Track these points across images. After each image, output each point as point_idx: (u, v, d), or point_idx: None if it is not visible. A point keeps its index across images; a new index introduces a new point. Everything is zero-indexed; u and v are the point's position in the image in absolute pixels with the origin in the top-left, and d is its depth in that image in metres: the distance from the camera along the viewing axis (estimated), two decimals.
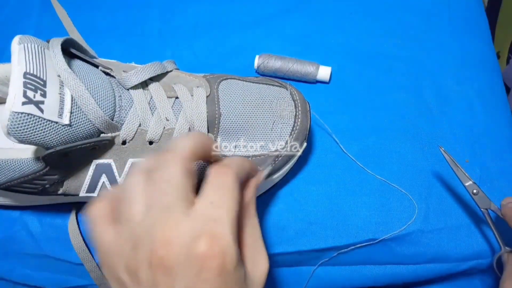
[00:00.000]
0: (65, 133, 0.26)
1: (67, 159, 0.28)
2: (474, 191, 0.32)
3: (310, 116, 0.33)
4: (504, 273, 0.29)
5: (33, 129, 0.24)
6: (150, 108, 0.31)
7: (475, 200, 0.32)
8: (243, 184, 0.24)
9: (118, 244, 0.20)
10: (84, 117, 0.27)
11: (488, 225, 0.32)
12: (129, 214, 0.20)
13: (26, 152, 0.29)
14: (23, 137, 0.24)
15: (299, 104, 0.33)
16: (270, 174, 0.34)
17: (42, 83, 0.25)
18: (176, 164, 0.21)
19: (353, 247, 0.36)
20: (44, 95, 0.25)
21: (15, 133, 0.24)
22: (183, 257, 0.18)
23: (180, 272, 0.18)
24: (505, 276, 0.28)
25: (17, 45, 0.26)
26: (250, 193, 0.24)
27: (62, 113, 0.26)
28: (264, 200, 0.37)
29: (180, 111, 0.31)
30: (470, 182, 0.32)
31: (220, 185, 0.21)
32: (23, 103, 0.24)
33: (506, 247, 0.31)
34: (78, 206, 0.38)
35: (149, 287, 0.19)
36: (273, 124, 0.32)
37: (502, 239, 0.31)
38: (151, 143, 0.31)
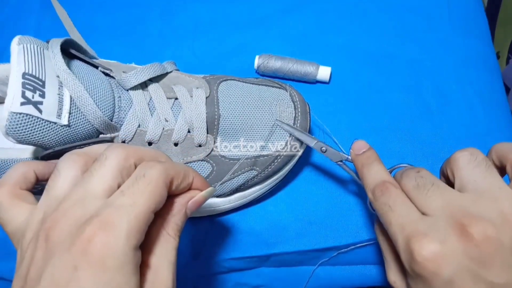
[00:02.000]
0: (63, 134, 0.26)
1: None
2: (323, 148, 0.31)
3: (309, 117, 0.33)
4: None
5: (31, 130, 0.24)
6: (149, 109, 0.31)
7: (327, 156, 0.31)
8: (177, 194, 0.22)
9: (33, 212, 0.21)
10: (83, 118, 0.27)
11: (350, 174, 0.32)
12: (54, 187, 0.21)
13: (26, 152, 0.29)
14: (22, 138, 0.24)
15: (299, 106, 0.33)
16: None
17: (41, 83, 0.25)
18: (114, 159, 0.20)
19: (353, 247, 0.36)
20: (43, 95, 0.25)
21: (13, 134, 0.24)
22: (66, 235, 0.18)
23: (59, 249, 0.18)
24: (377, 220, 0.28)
25: (17, 46, 0.26)
26: (178, 208, 0.22)
27: (61, 113, 0.26)
28: (264, 200, 0.37)
29: (179, 112, 0.31)
30: (316, 141, 0.31)
31: (140, 176, 0.20)
32: (22, 104, 0.24)
33: None
34: None
35: (29, 255, 0.19)
36: (272, 125, 0.32)
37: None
38: (150, 143, 0.31)
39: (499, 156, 0.24)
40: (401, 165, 0.30)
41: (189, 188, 0.23)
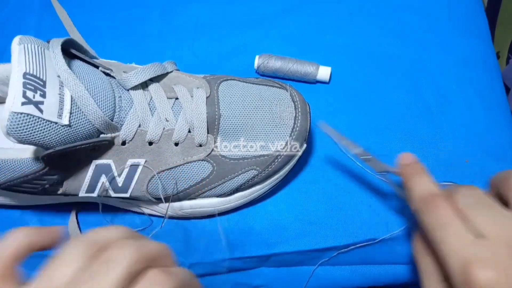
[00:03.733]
0: (64, 134, 0.26)
1: (66, 159, 0.28)
2: (367, 157, 0.31)
3: (310, 117, 0.33)
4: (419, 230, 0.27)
5: (32, 130, 0.24)
6: (150, 108, 0.31)
7: (370, 166, 0.31)
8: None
9: None
10: (84, 118, 0.27)
11: (391, 186, 0.31)
12: (51, 278, 0.19)
13: (26, 152, 0.29)
14: (22, 137, 0.24)
15: (299, 106, 0.33)
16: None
17: (41, 83, 0.25)
18: (122, 264, 0.18)
19: (353, 247, 0.36)
20: (43, 95, 0.25)
21: (14, 133, 0.24)
22: None
23: None
24: (419, 232, 0.27)
25: (17, 46, 0.26)
26: None
27: (62, 113, 0.26)
28: (264, 200, 0.38)
29: (180, 112, 0.31)
30: (361, 150, 0.31)
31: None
32: (23, 104, 0.24)
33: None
34: (78, 206, 0.38)
35: None
36: (272, 125, 0.32)
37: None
38: (150, 143, 0.31)
39: None
40: (444, 183, 0.30)
41: None
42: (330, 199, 0.37)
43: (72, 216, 0.37)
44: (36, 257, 0.21)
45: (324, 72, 0.41)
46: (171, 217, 0.37)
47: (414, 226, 0.29)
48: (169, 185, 0.32)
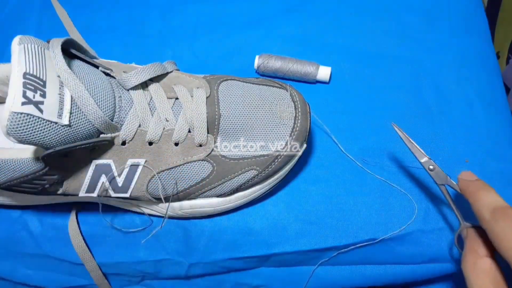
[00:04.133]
0: (64, 134, 0.26)
1: (66, 159, 0.28)
2: (431, 167, 0.32)
3: (310, 117, 0.33)
4: (464, 248, 0.29)
5: (32, 129, 0.24)
6: (150, 108, 0.31)
7: (432, 176, 0.32)
8: None
9: None
10: (84, 118, 0.27)
11: (446, 200, 0.32)
12: None
13: (26, 152, 0.29)
14: (23, 137, 0.24)
15: (299, 106, 0.33)
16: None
17: (41, 83, 0.25)
18: None
19: (353, 247, 0.36)
20: (43, 95, 0.25)
21: (14, 133, 0.24)
22: None
23: None
24: (466, 251, 0.28)
25: (17, 46, 0.26)
26: None
27: (62, 113, 0.26)
28: (264, 200, 0.38)
29: (180, 112, 0.31)
30: (426, 159, 0.32)
31: None
32: (23, 103, 0.24)
33: (465, 222, 0.30)
34: (78, 206, 0.38)
35: None
36: (272, 125, 0.32)
37: (461, 215, 0.31)
38: (150, 143, 0.31)
39: None
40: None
41: None
42: (330, 199, 0.37)
43: (72, 216, 0.37)
44: None
45: (324, 72, 0.41)
46: (171, 217, 0.37)
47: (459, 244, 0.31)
48: (169, 185, 0.32)
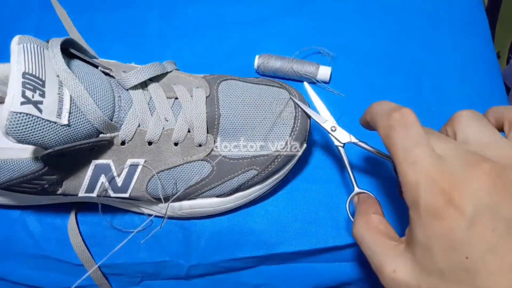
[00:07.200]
0: (63, 133, 0.26)
1: (65, 159, 0.28)
2: (332, 127, 0.31)
3: (310, 117, 0.33)
4: (356, 213, 0.28)
5: (31, 129, 0.24)
6: (149, 108, 0.31)
7: (333, 136, 0.31)
8: None
9: None
10: (83, 118, 0.27)
11: (343, 162, 0.31)
12: None
13: (25, 152, 0.29)
14: (22, 137, 0.24)
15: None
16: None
17: (41, 83, 0.25)
18: None
19: (353, 246, 0.36)
20: (43, 95, 0.25)
21: (13, 133, 0.24)
22: None
23: None
24: (357, 215, 0.27)
25: (17, 45, 0.26)
26: None
27: (61, 113, 0.26)
28: (264, 200, 0.37)
29: (179, 112, 0.31)
30: (327, 120, 0.31)
31: None
32: (22, 103, 0.24)
33: (358, 188, 0.30)
34: (77, 206, 0.38)
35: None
36: (272, 125, 0.32)
37: (355, 179, 0.30)
38: (150, 143, 0.31)
39: (497, 116, 0.26)
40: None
41: None
42: (330, 199, 0.37)
43: (72, 216, 0.37)
44: None
45: (324, 72, 0.41)
46: (170, 217, 0.37)
47: None
48: (168, 185, 0.32)
